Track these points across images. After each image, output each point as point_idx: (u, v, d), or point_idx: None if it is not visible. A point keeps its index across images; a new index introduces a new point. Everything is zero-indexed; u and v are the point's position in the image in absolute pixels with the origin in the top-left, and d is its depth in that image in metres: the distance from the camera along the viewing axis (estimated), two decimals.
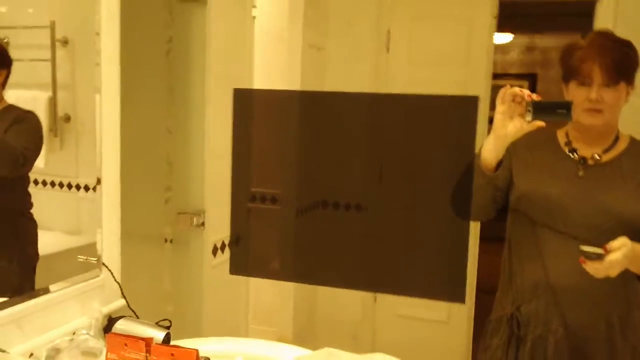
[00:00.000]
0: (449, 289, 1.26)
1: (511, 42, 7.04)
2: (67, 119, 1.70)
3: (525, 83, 7.11)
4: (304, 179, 1.29)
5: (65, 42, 1.67)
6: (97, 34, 1.64)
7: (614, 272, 1.43)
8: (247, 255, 1.29)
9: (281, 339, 3.18)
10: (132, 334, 1.31)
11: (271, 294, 3.56)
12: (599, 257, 1.40)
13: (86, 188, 1.72)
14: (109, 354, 1.04)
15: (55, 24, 1.64)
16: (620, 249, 1.41)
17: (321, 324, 3.73)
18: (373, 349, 3.49)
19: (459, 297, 1.24)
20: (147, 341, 1.01)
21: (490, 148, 1.53)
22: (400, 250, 1.32)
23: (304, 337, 3.40)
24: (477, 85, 3.37)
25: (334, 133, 1.28)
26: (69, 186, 1.73)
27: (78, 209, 1.79)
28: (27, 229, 1.59)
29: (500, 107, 1.46)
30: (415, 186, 1.30)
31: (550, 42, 6.88)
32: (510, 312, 1.69)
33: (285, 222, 1.35)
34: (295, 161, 1.30)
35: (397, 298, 3.66)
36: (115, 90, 1.71)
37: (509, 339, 1.68)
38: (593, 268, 1.43)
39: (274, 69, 3.46)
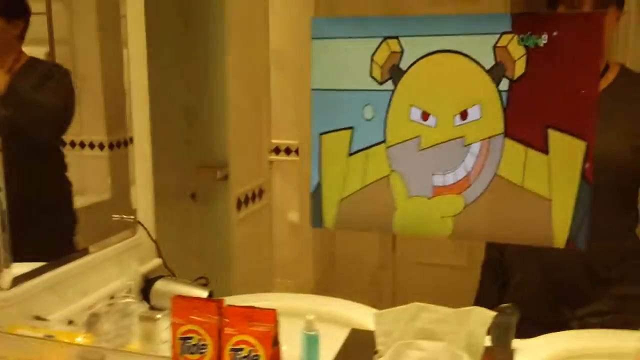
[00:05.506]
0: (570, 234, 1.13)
1: None
2: None
3: None
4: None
5: None
6: None
7: None
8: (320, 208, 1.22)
9: (302, 290, 3.16)
10: (175, 294, 1.25)
11: (289, 246, 3.52)
12: None
13: (91, 145, 1.65)
14: (174, 318, 0.98)
15: None
16: None
17: (339, 273, 3.71)
18: (394, 296, 3.50)
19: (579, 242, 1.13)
20: (219, 303, 0.95)
21: None
22: None
23: (324, 287, 3.38)
24: None
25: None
26: (72, 144, 1.65)
27: (82, 167, 1.71)
28: (68, 191, 1.53)
29: None
30: None
31: None
32: (495, 256, 1.70)
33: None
34: None
35: (415, 246, 3.63)
36: (142, 43, 1.61)
37: (496, 282, 1.70)
38: None
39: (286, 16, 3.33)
